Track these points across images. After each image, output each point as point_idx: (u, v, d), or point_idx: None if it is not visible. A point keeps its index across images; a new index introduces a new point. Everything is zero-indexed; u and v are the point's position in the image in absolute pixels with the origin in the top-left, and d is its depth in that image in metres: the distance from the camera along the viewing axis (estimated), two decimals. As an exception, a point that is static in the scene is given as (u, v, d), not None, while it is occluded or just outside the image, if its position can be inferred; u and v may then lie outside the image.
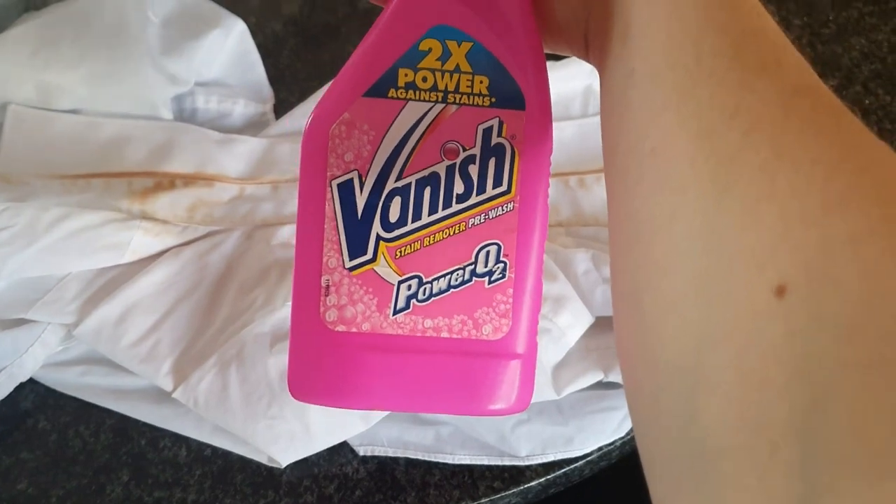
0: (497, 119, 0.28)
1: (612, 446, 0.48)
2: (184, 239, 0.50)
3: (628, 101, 0.23)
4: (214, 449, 0.46)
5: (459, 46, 0.27)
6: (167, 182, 0.51)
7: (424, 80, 0.27)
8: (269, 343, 0.46)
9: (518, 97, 0.28)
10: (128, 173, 0.51)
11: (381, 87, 0.27)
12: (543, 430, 0.47)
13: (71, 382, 0.47)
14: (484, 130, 0.28)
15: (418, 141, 0.27)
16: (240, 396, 0.44)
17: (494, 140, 0.28)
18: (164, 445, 0.46)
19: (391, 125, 0.27)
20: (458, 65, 0.27)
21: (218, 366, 0.45)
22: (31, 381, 0.46)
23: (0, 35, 0.52)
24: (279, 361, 0.45)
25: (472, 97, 0.27)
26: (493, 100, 0.27)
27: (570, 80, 0.58)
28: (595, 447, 0.48)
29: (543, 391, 0.47)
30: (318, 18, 0.66)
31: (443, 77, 0.27)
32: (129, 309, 0.47)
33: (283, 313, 0.47)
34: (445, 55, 0.27)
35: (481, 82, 0.27)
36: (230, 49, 0.59)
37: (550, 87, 0.57)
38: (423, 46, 0.27)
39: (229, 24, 0.58)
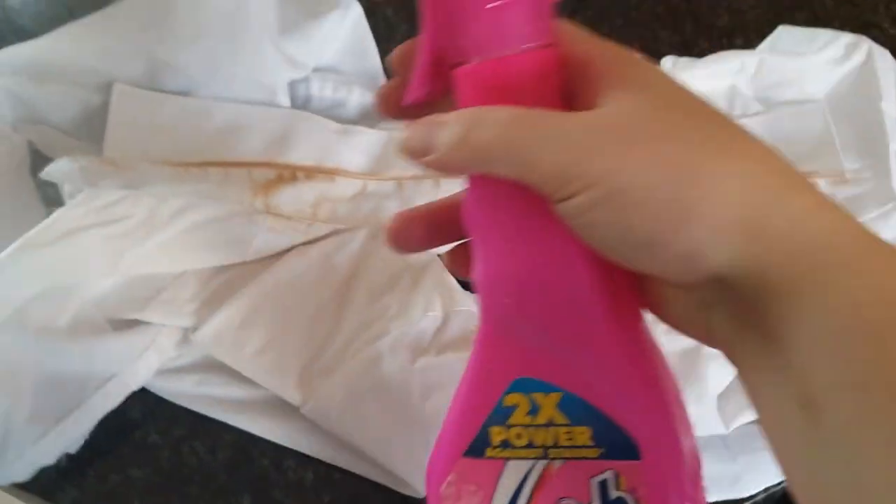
0: (611, 471, 0.24)
1: (779, 487, 0.43)
2: (308, 237, 0.46)
3: (828, 439, 0.19)
4: (345, 472, 0.41)
5: (547, 397, 0.25)
6: (288, 174, 0.47)
7: (518, 436, 0.25)
8: (409, 357, 0.41)
9: (629, 446, 0.24)
10: (247, 163, 0.46)
11: (477, 447, 0.26)
12: (709, 468, 0.42)
13: (185, 392, 0.42)
14: (599, 483, 0.25)
15: (529, 500, 0.25)
16: (377, 416, 0.40)
17: (613, 494, 0.24)
18: (289, 466, 0.42)
19: (497, 485, 0.25)
20: (551, 418, 0.25)
21: (352, 380, 0.40)
22: (142, 390, 0.42)
23: (110, 7, 0.47)
24: (422, 379, 0.40)
25: (575, 450, 0.25)
26: (602, 451, 0.24)
27: (715, 78, 0.54)
28: (762, 487, 0.43)
29: (710, 423, 0.42)
30: (431, 4, 0.61)
31: (537, 432, 0.25)
32: (253, 312, 0.42)
33: (422, 325, 0.42)
34: (534, 409, 0.25)
35: (583, 433, 0.24)
36: (346, 34, 0.54)
37: (694, 85, 0.52)
38: (509, 402, 0.25)
39: (346, 5, 0.54)
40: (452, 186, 0.48)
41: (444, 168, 0.24)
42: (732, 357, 0.23)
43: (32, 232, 0.38)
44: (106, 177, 0.43)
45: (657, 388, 0.25)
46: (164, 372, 0.42)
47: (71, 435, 0.39)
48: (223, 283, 0.43)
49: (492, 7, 0.23)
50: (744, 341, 0.22)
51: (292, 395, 0.41)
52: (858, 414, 0.19)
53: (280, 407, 0.41)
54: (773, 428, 0.22)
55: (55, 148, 0.47)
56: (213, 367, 0.42)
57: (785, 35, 0.55)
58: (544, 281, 0.24)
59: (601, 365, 0.24)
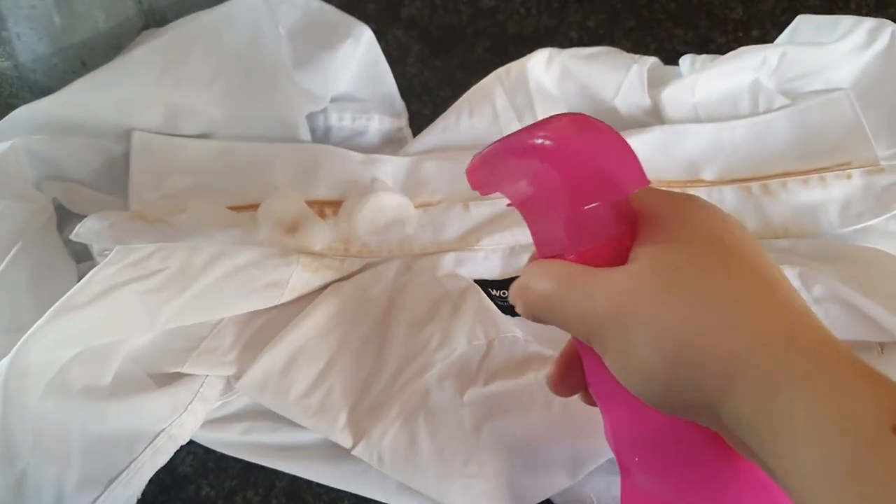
0: None
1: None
2: (342, 273, 0.45)
3: None
4: (402, 512, 0.40)
5: None
6: (317, 211, 0.46)
7: None
8: (457, 389, 0.40)
9: None
10: (275, 202, 0.46)
11: None
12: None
13: (233, 441, 0.42)
14: None
15: None
16: (431, 452, 0.39)
17: None
18: (344, 509, 0.41)
19: None
20: None
21: (402, 417, 0.40)
22: (189, 442, 0.41)
23: (124, 56, 0.47)
24: (473, 411, 0.40)
25: None
26: None
27: (736, 74, 0.53)
28: None
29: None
30: (440, 21, 0.61)
31: None
32: (295, 355, 0.41)
33: (467, 355, 0.41)
34: None
35: None
36: (359, 60, 0.54)
37: (715, 84, 0.51)
38: None
39: (358, 33, 0.53)
40: (481, 211, 0.47)
41: (524, 316, 0.28)
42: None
43: (67, 295, 0.38)
44: (136, 232, 0.42)
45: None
46: (210, 422, 0.42)
47: (123, 496, 0.38)
48: (262, 327, 0.43)
49: (587, 209, 0.26)
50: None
51: (342, 437, 0.40)
52: None
53: (331, 449, 0.41)
54: None
55: (80, 203, 0.46)
56: (259, 413, 0.42)
57: (804, 25, 0.54)
58: (658, 443, 0.27)
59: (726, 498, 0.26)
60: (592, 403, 0.31)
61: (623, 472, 0.30)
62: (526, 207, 0.29)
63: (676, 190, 0.48)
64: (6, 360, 0.36)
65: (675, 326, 0.23)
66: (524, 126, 0.28)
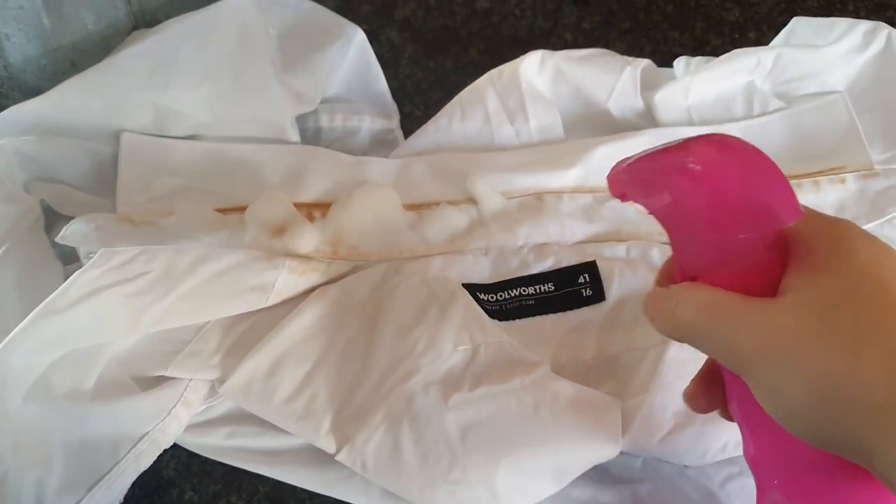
0: None
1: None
2: (329, 276, 0.45)
3: None
4: (386, 517, 0.40)
5: None
6: (305, 213, 0.46)
7: None
8: (442, 394, 0.40)
9: None
10: (262, 205, 0.45)
11: None
12: (743, 483, 0.41)
13: (217, 446, 0.42)
14: None
15: None
16: (415, 458, 0.39)
17: None
18: (328, 515, 0.41)
19: None
20: None
21: (386, 423, 0.39)
22: (173, 446, 0.41)
23: (112, 57, 0.47)
24: (458, 417, 0.39)
25: None
26: None
27: (731, 77, 0.52)
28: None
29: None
30: (434, 22, 0.61)
31: None
32: (279, 359, 0.41)
33: (453, 360, 0.41)
34: None
35: None
36: (351, 61, 0.53)
37: (709, 86, 0.51)
38: None
39: (349, 34, 0.53)
40: (471, 213, 0.47)
41: (663, 334, 0.28)
42: None
43: (50, 298, 0.37)
44: (122, 235, 0.42)
45: None
46: (193, 426, 0.41)
47: (105, 499, 0.38)
48: (247, 331, 0.42)
49: (742, 238, 0.26)
50: None
51: (326, 443, 0.40)
52: None
53: (315, 454, 0.41)
54: None
55: (68, 205, 0.46)
56: (243, 418, 0.42)
57: (800, 27, 0.54)
58: (799, 470, 0.27)
59: None
60: (731, 419, 0.31)
61: (760, 490, 0.30)
62: (669, 224, 0.29)
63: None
64: (-14, 365, 0.36)
65: (830, 368, 0.23)
66: (676, 142, 0.28)
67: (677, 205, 0.27)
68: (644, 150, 0.29)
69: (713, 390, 0.30)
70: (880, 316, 0.23)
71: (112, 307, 0.39)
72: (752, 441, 0.29)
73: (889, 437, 0.22)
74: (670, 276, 0.30)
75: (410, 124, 0.55)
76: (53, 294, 0.38)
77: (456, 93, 0.54)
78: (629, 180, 0.29)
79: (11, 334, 0.36)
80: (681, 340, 0.27)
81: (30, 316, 0.37)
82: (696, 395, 0.31)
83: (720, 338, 0.26)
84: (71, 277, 0.38)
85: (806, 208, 0.27)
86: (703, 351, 0.27)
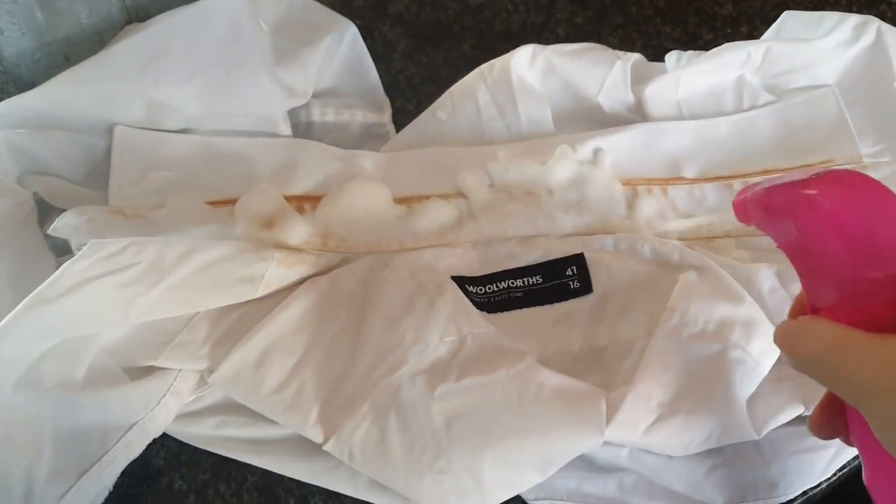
0: None
1: (817, 489, 0.42)
2: (319, 268, 0.45)
3: None
4: (372, 507, 0.41)
5: None
6: (296, 206, 0.46)
7: None
8: (428, 385, 0.40)
9: None
10: (253, 197, 0.46)
11: None
12: (743, 475, 0.41)
13: (206, 435, 0.42)
14: None
15: None
16: (401, 448, 0.39)
17: None
18: (316, 504, 0.41)
19: None
20: None
21: (373, 413, 0.40)
22: (162, 435, 0.41)
23: (105, 51, 0.47)
24: (444, 407, 0.40)
25: None
26: None
27: (721, 71, 0.53)
28: (799, 491, 0.42)
29: (741, 430, 0.41)
30: (427, 17, 0.61)
31: None
32: (268, 350, 0.41)
33: (439, 351, 0.41)
34: None
35: None
36: (343, 55, 0.54)
37: (699, 80, 0.51)
38: None
39: (342, 28, 0.53)
40: (460, 206, 0.47)
41: (792, 367, 0.30)
42: None
43: (39, 288, 0.38)
44: (113, 227, 0.42)
45: None
46: (183, 416, 0.42)
47: (94, 488, 0.39)
48: (235, 322, 0.43)
49: (868, 276, 0.27)
50: None
51: (313, 433, 0.40)
52: None
53: (303, 444, 0.41)
54: None
55: (61, 198, 0.47)
56: (232, 408, 0.42)
57: (791, 21, 0.54)
58: None
59: None
60: (851, 445, 0.32)
61: None
62: (795, 257, 0.30)
63: (656, 188, 0.48)
64: (-23, 354, 0.36)
65: None
66: (804, 173, 0.28)
67: (803, 240, 0.28)
68: (773, 179, 0.29)
69: (836, 419, 0.31)
70: None
71: (102, 297, 0.39)
72: (870, 468, 0.30)
73: None
74: (803, 307, 0.31)
75: (402, 118, 0.55)
76: (43, 284, 0.38)
77: (448, 87, 0.54)
78: (756, 209, 0.30)
79: (1, 324, 0.37)
80: (805, 373, 0.29)
81: (20, 305, 0.37)
82: (820, 423, 0.32)
83: (842, 374, 0.27)
84: (61, 268, 0.39)
85: None
86: (824, 384, 0.28)
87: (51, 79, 0.47)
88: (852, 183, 0.27)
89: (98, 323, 0.40)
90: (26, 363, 0.38)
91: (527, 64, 0.53)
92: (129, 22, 0.50)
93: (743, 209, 0.31)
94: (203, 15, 0.48)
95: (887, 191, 0.27)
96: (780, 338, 0.30)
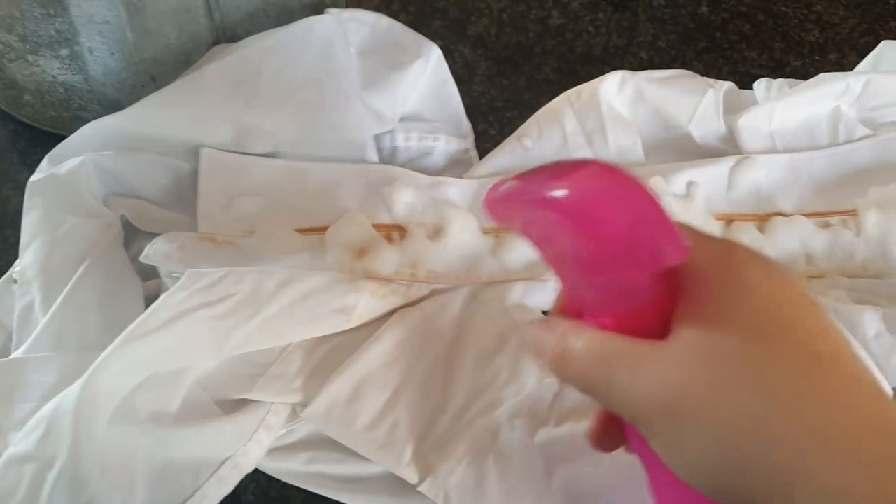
0: None
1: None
2: (408, 299, 0.44)
3: None
4: (467, 550, 0.39)
5: None
6: (385, 234, 0.45)
7: None
8: (527, 429, 0.39)
9: None
10: (343, 226, 0.45)
11: None
12: None
13: (296, 471, 0.41)
14: None
15: None
16: (498, 494, 0.38)
17: None
18: (408, 545, 0.40)
19: None
20: None
21: (470, 455, 0.39)
22: (252, 470, 0.40)
23: (195, 73, 0.47)
24: (546, 454, 0.38)
25: None
26: None
27: (817, 102, 0.51)
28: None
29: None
30: (507, 39, 0.60)
31: None
32: (361, 384, 0.41)
33: (538, 393, 0.40)
34: None
35: None
36: (428, 79, 0.53)
37: (794, 111, 0.49)
38: None
39: (427, 52, 0.52)
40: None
41: (554, 377, 0.27)
42: None
43: (138, 321, 0.37)
44: (204, 255, 0.42)
45: None
46: (273, 450, 0.41)
47: (187, 525, 0.38)
48: (328, 353, 0.42)
49: (626, 277, 0.24)
50: None
51: (408, 473, 0.39)
52: None
53: (395, 483, 0.40)
54: None
55: (147, 220, 0.46)
56: (323, 443, 0.41)
57: (889, 52, 0.52)
58: None
59: None
60: (598, 448, 0.30)
61: None
62: (553, 259, 0.26)
63: (751, 224, 0.47)
64: (77, 385, 0.36)
65: (731, 425, 0.22)
66: (558, 166, 0.25)
67: (557, 239, 0.25)
68: (525, 173, 0.25)
69: (614, 428, 0.29)
70: (786, 363, 0.22)
71: (198, 330, 0.38)
72: (653, 481, 0.27)
73: (799, 499, 0.21)
74: (562, 314, 0.28)
75: (485, 142, 0.54)
76: (141, 317, 0.38)
77: (530, 111, 0.53)
78: (507, 207, 0.26)
79: (102, 356, 0.36)
80: (575, 388, 0.26)
81: (118, 339, 0.37)
82: (598, 436, 0.29)
83: (614, 390, 0.24)
84: (158, 300, 0.38)
85: (692, 232, 0.25)
86: (597, 401, 0.26)
87: (137, 98, 0.47)
88: (606, 176, 0.24)
89: (194, 355, 0.39)
90: (121, 395, 0.38)
91: (616, 90, 0.52)
92: (216, 42, 0.50)
93: (494, 207, 0.27)
94: (297, 38, 0.47)
95: (644, 185, 0.24)
96: (537, 344, 0.26)
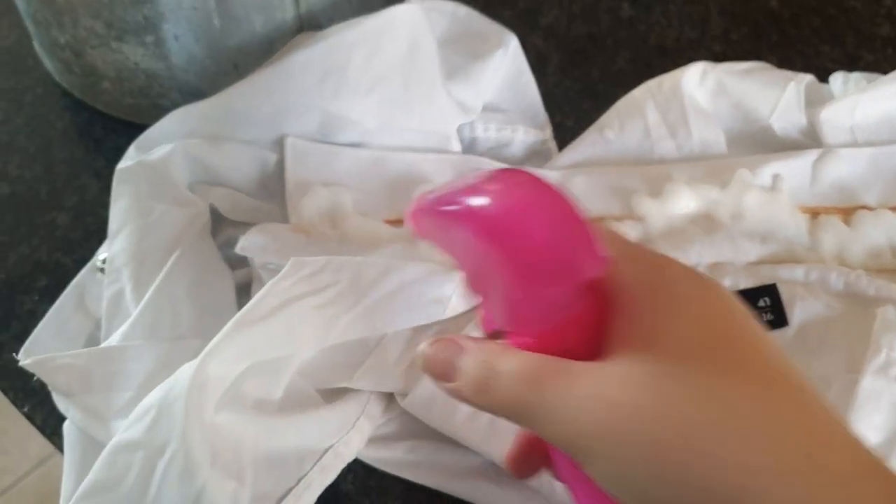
0: None
1: None
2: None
3: None
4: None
5: None
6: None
7: None
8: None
9: None
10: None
11: None
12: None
13: (396, 460, 0.41)
14: None
15: None
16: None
17: None
18: (510, 534, 0.40)
19: None
20: None
21: (574, 446, 0.38)
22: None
23: (281, 61, 0.46)
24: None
25: None
26: None
27: (890, 99, 0.51)
28: None
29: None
30: (578, 30, 0.60)
31: None
32: (461, 375, 0.40)
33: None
34: None
35: None
36: (506, 70, 0.53)
37: (876, 105, 0.48)
38: None
39: (507, 42, 0.52)
40: (636, 232, 0.45)
41: (477, 407, 0.24)
42: None
43: (246, 308, 0.37)
44: (299, 246, 0.42)
45: None
46: (373, 440, 0.41)
47: (291, 514, 0.38)
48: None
49: (547, 292, 0.23)
50: None
51: (511, 463, 0.39)
52: None
53: (496, 472, 0.40)
54: None
55: (235, 209, 0.46)
56: (423, 432, 0.41)
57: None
58: None
59: None
60: (518, 474, 0.29)
61: None
62: (471, 274, 0.25)
63: (836, 217, 0.46)
64: (188, 373, 0.35)
65: (678, 448, 0.20)
66: (476, 177, 0.24)
67: (474, 254, 0.24)
68: (444, 185, 0.25)
69: (536, 454, 0.28)
70: (730, 380, 0.21)
71: (303, 318, 0.38)
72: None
73: None
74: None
75: (561, 134, 0.54)
76: (249, 304, 0.37)
77: (606, 103, 0.53)
78: (422, 222, 0.25)
79: (211, 344, 0.36)
80: (495, 414, 0.24)
81: (228, 325, 0.37)
82: (518, 460, 0.28)
83: (547, 417, 0.22)
84: (265, 288, 0.38)
85: (619, 242, 0.24)
86: (524, 427, 0.24)
87: (219, 86, 0.47)
88: (523, 188, 0.23)
89: (298, 343, 0.39)
90: (228, 383, 0.38)
91: (697, 82, 0.51)
92: (300, 30, 0.49)
93: (414, 220, 0.25)
94: (384, 27, 0.47)
95: (565, 197, 0.23)
96: (441, 367, 0.25)
